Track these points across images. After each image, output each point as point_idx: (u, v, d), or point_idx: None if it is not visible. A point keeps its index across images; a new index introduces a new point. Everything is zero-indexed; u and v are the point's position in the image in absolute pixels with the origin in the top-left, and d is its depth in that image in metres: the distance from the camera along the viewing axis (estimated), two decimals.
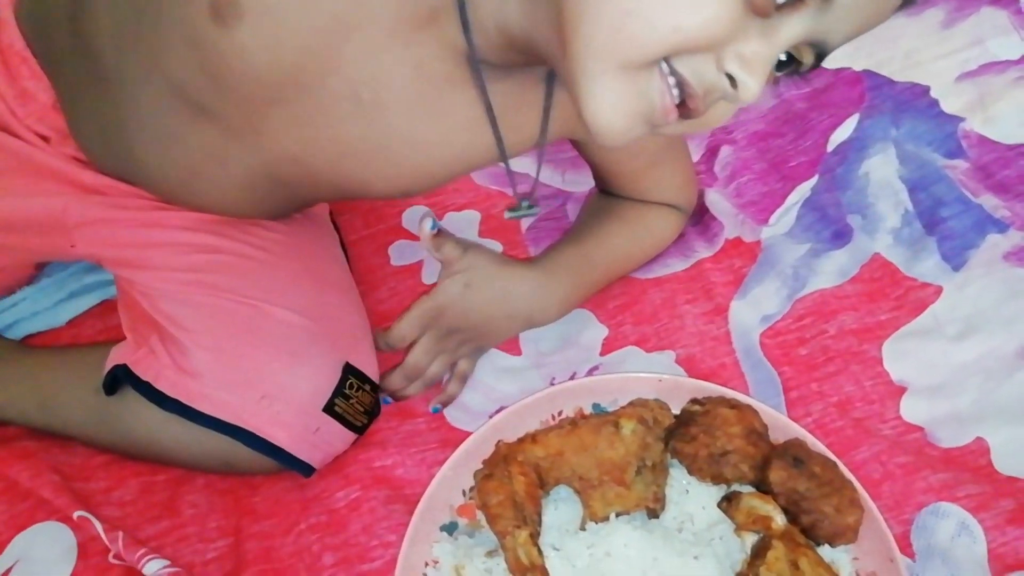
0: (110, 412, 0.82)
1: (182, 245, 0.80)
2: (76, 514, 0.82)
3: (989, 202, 0.97)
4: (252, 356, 0.77)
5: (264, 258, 0.82)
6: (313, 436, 0.78)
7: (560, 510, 0.79)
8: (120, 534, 0.81)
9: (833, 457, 0.77)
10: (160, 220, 0.80)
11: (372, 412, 0.85)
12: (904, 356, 0.88)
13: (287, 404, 0.76)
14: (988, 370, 0.85)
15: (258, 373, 0.77)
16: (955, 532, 0.76)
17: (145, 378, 0.78)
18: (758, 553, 0.68)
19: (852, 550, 0.75)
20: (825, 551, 0.73)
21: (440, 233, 0.78)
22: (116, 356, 0.81)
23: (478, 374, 0.92)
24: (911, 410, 0.85)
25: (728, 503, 0.72)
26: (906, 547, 0.74)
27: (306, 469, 0.80)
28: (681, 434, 0.79)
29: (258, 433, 0.76)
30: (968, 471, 0.80)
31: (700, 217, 1.00)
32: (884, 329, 0.91)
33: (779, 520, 0.70)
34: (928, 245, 0.95)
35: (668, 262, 0.97)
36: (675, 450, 0.79)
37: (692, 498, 0.77)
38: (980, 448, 0.81)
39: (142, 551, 0.80)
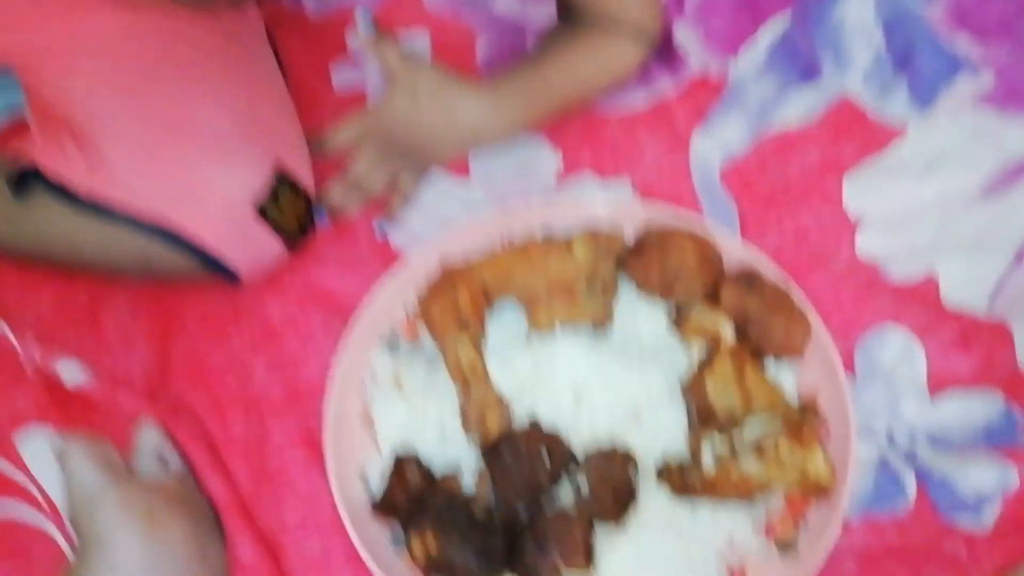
0: (20, 215, 0.76)
1: (98, 32, 0.72)
2: None
3: (963, 44, 0.93)
4: (174, 152, 0.71)
5: (190, 54, 0.75)
6: (240, 239, 0.73)
7: (504, 323, 0.76)
8: (31, 336, 0.76)
9: (786, 281, 0.76)
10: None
11: (305, 225, 0.80)
12: (865, 192, 0.86)
13: (212, 202, 0.71)
14: (947, 206, 0.84)
15: (181, 170, 0.71)
16: (898, 354, 0.76)
17: (55, 178, 0.72)
18: (705, 363, 0.66)
19: (796, 369, 0.74)
20: (770, 371, 0.72)
21: (380, 38, 0.72)
22: (25, 156, 0.75)
23: (425, 197, 0.88)
24: (866, 244, 0.83)
25: (678, 317, 0.70)
26: (849, 366, 0.74)
27: (232, 277, 0.76)
28: (635, 252, 0.76)
29: (180, 233, 0.71)
30: (917, 302, 0.79)
31: (665, 49, 0.95)
32: (846, 165, 0.88)
33: (727, 332, 0.68)
34: (898, 85, 0.92)
35: (630, 94, 0.92)
36: (627, 269, 0.76)
37: (640, 316, 0.75)
38: (931, 282, 0.81)
39: (55, 355, 0.75)
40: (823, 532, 0.64)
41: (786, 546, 0.66)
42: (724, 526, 0.66)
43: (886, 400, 0.74)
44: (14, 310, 0.81)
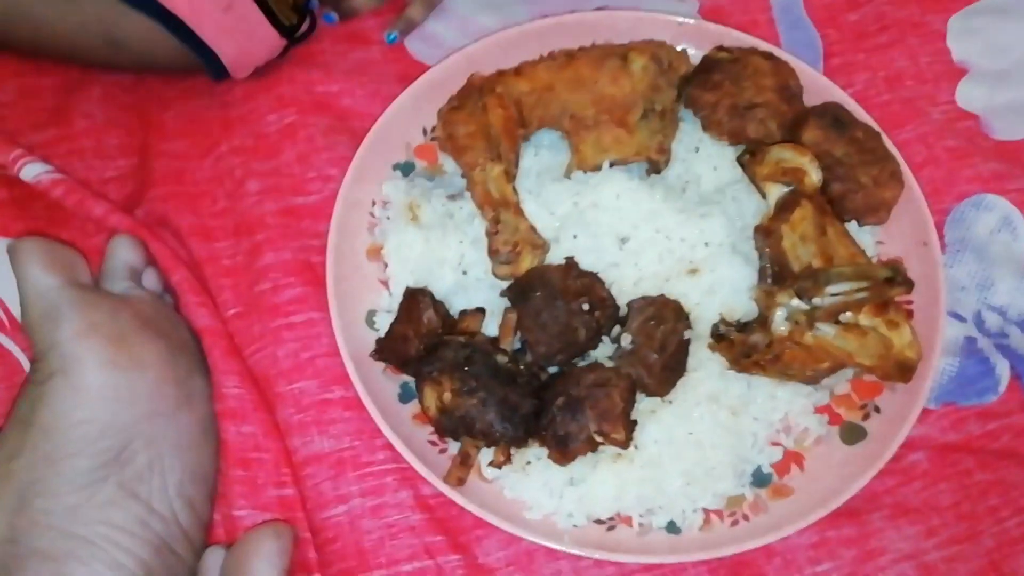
0: None
1: None
2: None
3: None
4: None
5: None
6: (223, 14, 0.60)
7: (541, 156, 0.64)
8: None
9: (877, 127, 0.64)
10: None
11: (303, 11, 0.67)
12: (971, 34, 0.73)
13: None
14: None
15: None
16: (996, 226, 0.65)
17: None
18: (784, 207, 0.55)
19: (878, 232, 0.63)
20: (849, 229, 0.61)
21: None
22: None
23: (452, 2, 0.74)
24: (968, 95, 0.71)
25: (751, 156, 0.59)
26: (938, 237, 0.63)
27: (215, 65, 0.63)
28: (701, 80, 0.64)
29: None
30: (1021, 165, 0.68)
31: None
32: (953, 1, 0.74)
33: (814, 175, 0.57)
34: None
35: None
36: (691, 98, 0.64)
37: (702, 157, 0.64)
38: None
39: (18, 151, 0.64)
40: (899, 419, 0.56)
41: (852, 432, 0.57)
42: (780, 407, 0.57)
43: (978, 277, 0.64)
44: None
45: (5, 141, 0.65)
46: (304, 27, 0.69)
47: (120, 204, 0.66)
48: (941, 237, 0.65)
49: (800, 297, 0.52)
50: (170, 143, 0.68)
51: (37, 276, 0.53)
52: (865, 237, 0.63)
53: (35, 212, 0.65)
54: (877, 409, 0.58)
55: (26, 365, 0.61)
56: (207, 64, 0.63)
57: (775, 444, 0.58)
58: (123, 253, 0.59)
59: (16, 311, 0.60)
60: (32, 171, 0.64)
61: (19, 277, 0.54)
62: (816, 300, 0.52)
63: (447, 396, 0.52)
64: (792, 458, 0.58)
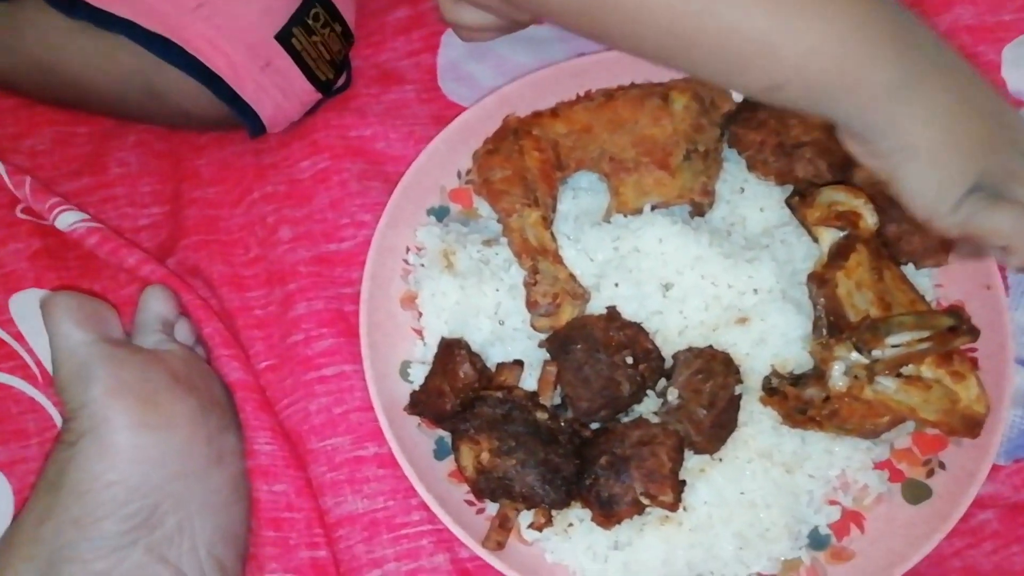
0: (5, 23, 0.63)
1: None
2: None
3: None
4: None
5: None
6: (260, 71, 0.60)
7: (580, 199, 0.62)
8: (28, 179, 0.65)
9: None
10: None
11: (340, 66, 0.67)
12: None
13: (229, 19, 0.58)
14: None
15: None
16: None
17: None
18: (838, 253, 0.53)
19: (937, 275, 0.60)
20: (906, 272, 0.58)
21: None
22: None
23: (489, 42, 0.73)
24: None
25: (801, 199, 0.56)
26: (1001, 279, 0.60)
27: (252, 120, 0.63)
28: (746, 119, 0.62)
29: (186, 47, 0.57)
30: None
31: None
32: (1007, 31, 0.71)
33: (869, 218, 0.54)
34: None
35: None
36: (735, 137, 0.62)
37: (748, 198, 0.61)
38: None
39: (54, 200, 0.64)
40: (967, 476, 0.52)
41: (915, 490, 0.54)
42: (837, 462, 0.54)
43: None
44: (10, 149, 0.69)
45: (42, 190, 0.65)
46: (340, 82, 0.68)
47: (153, 253, 0.65)
48: (1004, 279, 0.61)
49: (859, 350, 0.49)
50: (203, 190, 0.67)
51: (69, 331, 0.52)
52: (923, 280, 0.59)
53: (68, 262, 0.65)
54: (942, 465, 0.55)
55: (58, 420, 0.60)
56: (246, 121, 0.62)
57: (832, 503, 0.54)
58: (155, 305, 0.58)
59: (49, 366, 0.59)
60: (68, 220, 0.63)
61: (51, 332, 0.53)
62: (876, 352, 0.49)
63: (485, 456, 0.50)
64: (851, 518, 0.54)
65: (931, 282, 0.60)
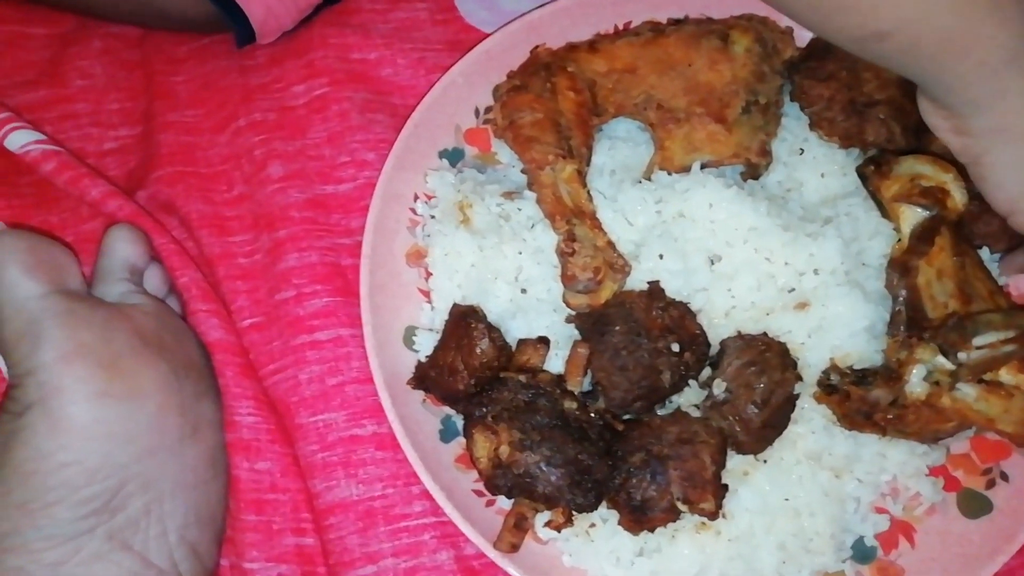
0: None
1: None
2: None
3: None
4: None
5: None
6: None
7: (617, 151, 0.55)
8: None
9: None
10: None
11: None
12: None
13: None
14: None
15: None
16: None
17: None
18: (922, 237, 0.46)
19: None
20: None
21: None
22: None
23: None
24: None
25: (876, 167, 0.49)
26: None
27: (240, 22, 0.54)
28: (811, 69, 0.54)
29: None
30: None
31: None
32: None
33: (958, 196, 0.47)
34: None
35: None
36: (800, 90, 0.54)
37: (807, 161, 0.54)
38: None
39: (5, 114, 0.55)
40: None
41: (973, 502, 0.48)
42: (889, 467, 0.48)
43: None
44: None
45: None
46: None
47: (120, 183, 0.56)
48: None
49: (944, 353, 0.42)
50: (180, 112, 0.59)
51: (16, 281, 0.44)
52: (992, 265, 0.53)
53: (21, 189, 0.56)
54: (1004, 476, 0.49)
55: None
56: (233, 22, 0.53)
57: (880, 511, 0.49)
58: (122, 248, 0.50)
59: None
60: (20, 139, 0.55)
61: None
62: (961, 355, 0.42)
63: (504, 449, 0.43)
64: (900, 528, 0.49)
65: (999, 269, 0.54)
